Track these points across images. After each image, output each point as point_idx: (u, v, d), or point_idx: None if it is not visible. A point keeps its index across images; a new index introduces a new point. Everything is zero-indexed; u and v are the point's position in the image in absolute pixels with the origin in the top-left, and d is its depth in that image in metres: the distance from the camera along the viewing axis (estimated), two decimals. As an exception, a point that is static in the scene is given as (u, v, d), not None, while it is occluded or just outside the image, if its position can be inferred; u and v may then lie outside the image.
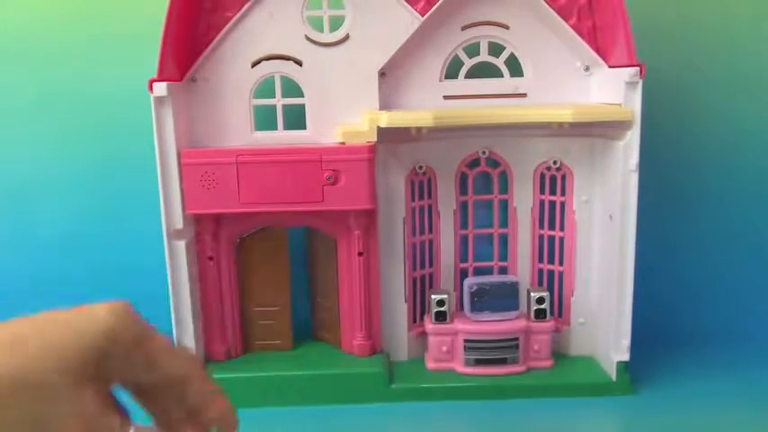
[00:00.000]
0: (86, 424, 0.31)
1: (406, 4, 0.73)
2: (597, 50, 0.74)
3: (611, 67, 0.73)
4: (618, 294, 0.73)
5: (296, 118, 0.76)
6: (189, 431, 0.37)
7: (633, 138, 0.70)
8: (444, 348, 0.78)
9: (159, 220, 0.72)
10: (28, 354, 0.30)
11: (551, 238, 0.81)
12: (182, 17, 0.70)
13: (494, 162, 0.81)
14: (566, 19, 0.74)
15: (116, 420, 0.33)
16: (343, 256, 0.78)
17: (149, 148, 0.70)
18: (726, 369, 0.80)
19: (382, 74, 0.76)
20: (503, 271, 0.84)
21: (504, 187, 0.82)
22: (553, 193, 0.80)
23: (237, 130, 0.76)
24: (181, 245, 0.73)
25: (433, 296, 0.78)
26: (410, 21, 0.74)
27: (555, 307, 0.81)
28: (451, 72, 0.78)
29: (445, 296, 0.78)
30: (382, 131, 0.73)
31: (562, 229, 0.81)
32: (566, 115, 0.70)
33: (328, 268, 0.81)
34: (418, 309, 0.82)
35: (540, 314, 0.77)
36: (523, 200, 0.82)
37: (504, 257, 0.84)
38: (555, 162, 0.79)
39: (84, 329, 0.32)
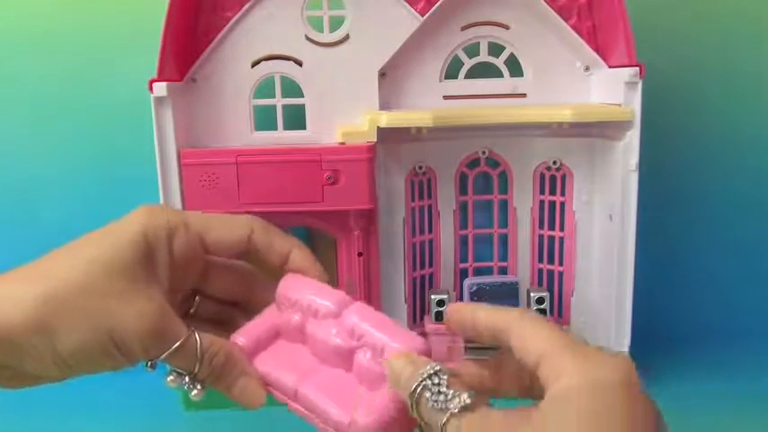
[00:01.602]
0: (150, 325, 0.32)
1: (406, 4, 0.73)
2: (597, 50, 0.74)
3: (611, 67, 0.73)
4: (618, 294, 0.73)
5: (296, 118, 0.76)
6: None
7: (633, 138, 0.70)
8: (444, 348, 0.78)
9: (159, 220, 0.72)
10: (82, 274, 0.32)
11: (551, 238, 0.81)
12: (182, 17, 0.70)
13: (494, 162, 0.81)
14: (566, 19, 0.74)
15: (182, 327, 0.34)
16: (343, 256, 0.78)
17: (149, 148, 0.70)
18: (726, 369, 0.80)
19: (382, 74, 0.76)
20: (503, 271, 0.84)
21: (504, 187, 0.82)
22: (553, 193, 0.80)
23: (237, 130, 0.76)
24: (181, 245, 0.73)
25: (433, 296, 0.78)
26: (410, 21, 0.74)
27: (555, 307, 0.81)
28: (451, 72, 0.78)
29: (445, 296, 0.78)
30: (382, 131, 0.73)
31: (562, 229, 0.81)
32: (565, 115, 0.70)
33: (328, 268, 0.81)
34: (418, 309, 0.82)
35: (541, 314, 0.77)
36: (523, 200, 0.82)
37: (504, 257, 0.84)
38: (555, 162, 0.79)
39: (119, 237, 0.33)
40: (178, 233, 0.35)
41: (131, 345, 0.32)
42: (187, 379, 0.34)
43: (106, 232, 0.34)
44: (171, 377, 0.34)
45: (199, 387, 0.35)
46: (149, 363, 0.33)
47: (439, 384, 0.30)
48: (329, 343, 0.35)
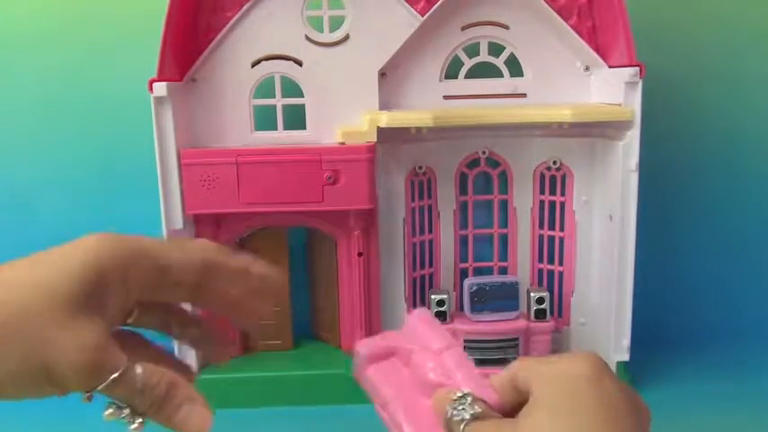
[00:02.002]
0: (89, 357, 0.31)
1: (406, 4, 0.73)
2: (597, 50, 0.74)
3: (611, 67, 0.73)
4: (618, 294, 0.73)
5: (296, 118, 0.76)
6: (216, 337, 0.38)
7: (633, 138, 0.70)
8: (444, 348, 0.78)
9: (159, 220, 0.72)
10: (22, 297, 0.30)
11: (551, 238, 0.81)
12: (182, 17, 0.70)
13: (494, 162, 0.81)
14: (566, 19, 0.74)
15: (121, 357, 0.32)
16: (343, 256, 0.78)
17: (149, 148, 0.70)
18: (726, 369, 0.80)
19: (382, 74, 0.76)
20: (503, 271, 0.84)
21: (504, 187, 0.82)
22: (553, 193, 0.80)
23: (237, 131, 0.76)
24: (181, 245, 0.73)
25: (432, 296, 0.78)
26: (410, 21, 0.74)
27: (555, 307, 0.81)
28: (451, 72, 0.78)
29: (445, 296, 0.78)
30: (382, 131, 0.73)
31: (562, 229, 0.81)
32: (566, 115, 0.70)
33: (328, 268, 0.81)
34: (418, 309, 0.82)
35: (540, 314, 0.77)
36: (523, 200, 0.82)
37: (504, 257, 0.84)
38: (555, 162, 0.79)
39: (70, 264, 0.32)
40: (135, 261, 0.34)
41: (66, 377, 0.31)
42: (127, 411, 0.33)
43: (59, 255, 0.33)
44: (109, 410, 0.33)
45: (139, 420, 0.34)
46: (86, 394, 0.32)
47: (464, 403, 0.34)
48: (425, 375, 0.40)
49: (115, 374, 0.32)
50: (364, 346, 0.43)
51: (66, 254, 0.32)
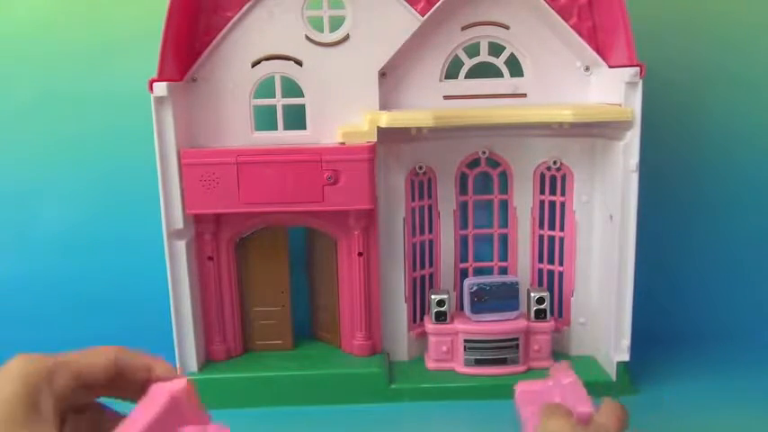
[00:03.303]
0: None
1: (406, 3, 0.73)
2: (597, 50, 0.74)
3: (611, 67, 0.73)
4: (618, 294, 0.73)
5: (296, 118, 0.76)
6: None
7: (633, 138, 0.70)
8: (444, 348, 0.78)
9: (159, 220, 0.72)
10: None
11: (551, 239, 0.81)
12: (182, 17, 0.70)
13: (494, 162, 0.81)
14: (566, 19, 0.74)
15: None
16: (343, 256, 0.79)
17: (149, 148, 0.70)
18: (726, 369, 0.80)
19: (382, 74, 0.76)
20: (503, 271, 0.84)
21: (504, 187, 0.82)
22: (553, 193, 0.80)
23: (237, 130, 0.76)
24: (181, 245, 0.73)
25: (433, 296, 0.78)
26: (410, 21, 0.74)
27: (555, 307, 0.81)
28: (451, 72, 0.78)
29: (445, 296, 0.78)
30: (382, 131, 0.73)
31: (562, 229, 0.81)
32: (566, 115, 0.70)
33: (328, 268, 0.81)
34: (418, 309, 0.82)
35: (541, 314, 0.77)
36: (523, 200, 0.82)
37: (504, 257, 0.84)
38: (555, 162, 0.79)
39: (2, 389, 0.36)
40: (56, 374, 0.38)
41: None
42: None
43: None
44: None
45: None
46: None
47: None
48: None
49: None
50: (521, 385, 0.56)
51: None
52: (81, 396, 0.40)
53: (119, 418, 0.42)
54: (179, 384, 0.41)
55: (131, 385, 0.41)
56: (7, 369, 0.37)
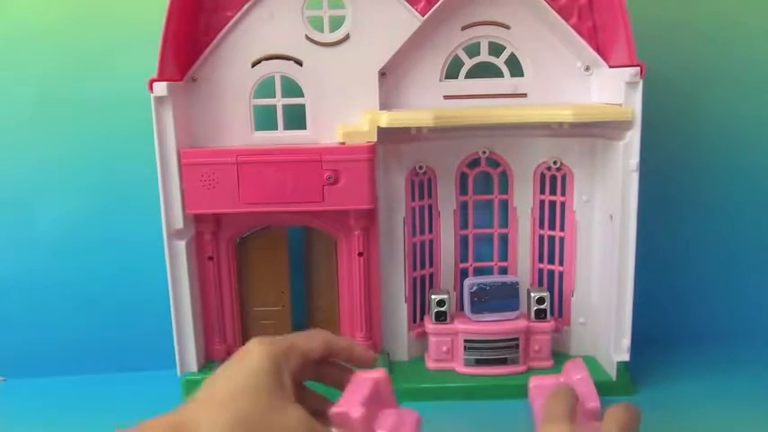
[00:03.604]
0: (307, 428, 0.41)
1: (406, 3, 0.73)
2: (597, 50, 0.74)
3: (611, 67, 0.73)
4: (618, 294, 0.73)
5: (296, 118, 0.76)
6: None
7: (633, 138, 0.70)
8: (444, 348, 0.78)
9: (159, 220, 0.72)
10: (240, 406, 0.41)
11: (551, 238, 0.81)
12: (182, 17, 0.70)
13: (494, 162, 0.81)
14: (566, 19, 0.74)
15: (322, 426, 0.43)
16: (344, 256, 0.79)
17: (149, 148, 0.70)
18: (726, 369, 0.80)
19: (382, 74, 0.76)
20: (503, 271, 0.84)
21: (504, 187, 0.82)
22: (553, 192, 0.80)
23: (237, 130, 0.76)
24: (181, 245, 0.73)
25: (433, 296, 0.78)
26: (410, 21, 0.74)
27: (555, 307, 0.81)
28: (451, 72, 0.78)
29: (445, 296, 0.78)
30: (382, 131, 0.73)
31: (562, 229, 0.81)
32: (566, 115, 0.70)
33: (328, 268, 0.81)
34: (418, 309, 0.82)
35: (541, 314, 0.77)
36: (523, 200, 0.82)
37: (504, 257, 0.84)
38: (555, 162, 0.79)
39: (258, 366, 0.42)
40: (291, 353, 0.45)
41: None
42: None
43: (242, 365, 0.43)
44: None
45: None
46: None
47: None
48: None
49: None
50: (535, 381, 0.62)
51: (248, 361, 0.43)
52: (305, 375, 0.48)
53: (318, 396, 0.51)
54: (379, 373, 0.48)
55: (333, 369, 0.50)
56: (250, 349, 0.44)
